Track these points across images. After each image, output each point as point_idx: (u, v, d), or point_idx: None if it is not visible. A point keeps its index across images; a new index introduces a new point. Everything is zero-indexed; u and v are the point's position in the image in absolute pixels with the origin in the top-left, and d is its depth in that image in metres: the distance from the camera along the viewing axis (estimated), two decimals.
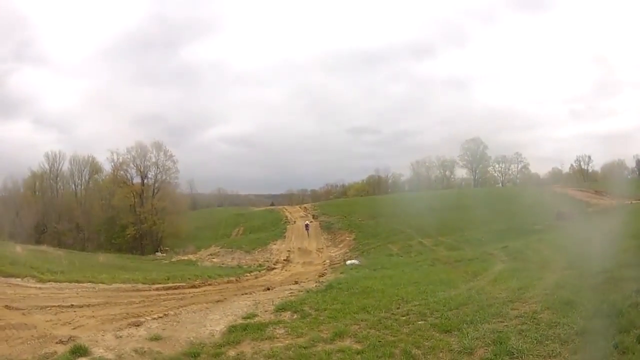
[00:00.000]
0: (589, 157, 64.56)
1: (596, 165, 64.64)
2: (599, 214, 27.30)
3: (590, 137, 73.63)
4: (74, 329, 6.84)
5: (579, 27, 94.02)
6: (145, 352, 5.59)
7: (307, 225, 36.12)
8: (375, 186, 71.09)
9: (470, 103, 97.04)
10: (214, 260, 30.67)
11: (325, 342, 5.93)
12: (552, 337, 5.20)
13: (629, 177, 56.15)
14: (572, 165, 66.70)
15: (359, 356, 5.34)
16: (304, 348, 5.68)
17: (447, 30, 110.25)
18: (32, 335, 6.14)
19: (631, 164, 59.21)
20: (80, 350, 5.36)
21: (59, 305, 8.38)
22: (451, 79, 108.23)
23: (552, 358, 4.73)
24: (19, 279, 10.93)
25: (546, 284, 8.25)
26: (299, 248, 31.37)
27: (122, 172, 45.77)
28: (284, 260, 27.46)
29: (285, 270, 22.65)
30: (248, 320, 7.27)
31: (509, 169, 68.33)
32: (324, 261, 26.01)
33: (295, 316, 7.54)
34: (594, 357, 4.50)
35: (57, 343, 5.78)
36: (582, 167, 65.68)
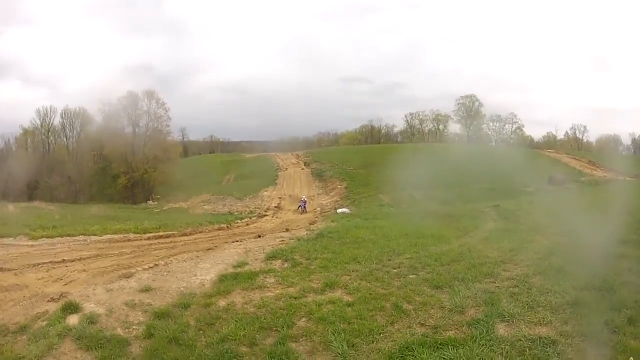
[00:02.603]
0: (585, 127, 63.55)
1: (591, 136, 63.93)
2: (591, 184, 27.36)
3: (586, 109, 72.39)
4: (65, 284, 6.86)
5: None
6: (135, 304, 5.57)
7: (304, 202, 26.78)
8: (367, 136, 70.28)
9: (465, 60, 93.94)
10: (205, 207, 30.76)
11: (316, 292, 5.92)
12: (544, 304, 5.15)
13: (623, 153, 56.04)
14: (567, 132, 65.66)
15: (349, 308, 5.31)
16: (295, 298, 5.66)
17: None
18: (24, 296, 6.12)
19: (627, 140, 58.78)
20: (71, 307, 5.34)
21: (50, 262, 8.41)
22: (446, 35, 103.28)
23: (543, 325, 4.68)
24: (11, 238, 10.96)
25: (537, 248, 8.24)
26: (289, 195, 31.34)
27: (113, 122, 44.53)
28: (275, 207, 27.65)
29: (276, 218, 22.87)
30: (238, 269, 7.26)
31: (503, 129, 67.29)
32: (315, 209, 26.23)
33: (285, 265, 7.54)
34: (585, 330, 4.45)
35: (48, 301, 5.76)
36: (577, 135, 64.85)
